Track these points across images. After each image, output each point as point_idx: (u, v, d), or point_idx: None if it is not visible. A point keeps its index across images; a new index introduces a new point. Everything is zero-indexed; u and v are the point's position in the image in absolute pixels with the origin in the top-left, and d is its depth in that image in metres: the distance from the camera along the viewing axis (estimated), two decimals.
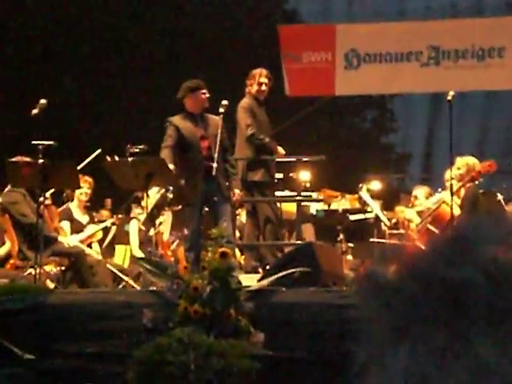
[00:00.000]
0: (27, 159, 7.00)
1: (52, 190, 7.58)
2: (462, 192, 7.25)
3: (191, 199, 6.96)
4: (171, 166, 6.66)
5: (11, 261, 7.58)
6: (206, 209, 7.12)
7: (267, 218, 7.50)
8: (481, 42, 11.41)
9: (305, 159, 7.98)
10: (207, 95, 7.00)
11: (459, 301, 0.76)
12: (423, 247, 0.83)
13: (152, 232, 7.86)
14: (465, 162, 7.16)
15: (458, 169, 7.05)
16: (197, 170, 6.89)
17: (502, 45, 11.31)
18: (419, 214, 8.58)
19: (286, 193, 8.11)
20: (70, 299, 5.32)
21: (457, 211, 6.99)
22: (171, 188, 7.98)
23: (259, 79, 7.70)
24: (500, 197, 8.41)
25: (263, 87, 7.69)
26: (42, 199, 6.61)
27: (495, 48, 11.34)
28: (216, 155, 6.72)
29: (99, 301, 5.26)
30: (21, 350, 4.78)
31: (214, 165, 6.66)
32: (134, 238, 9.27)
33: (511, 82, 11.30)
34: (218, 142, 6.77)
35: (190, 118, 7.00)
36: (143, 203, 9.06)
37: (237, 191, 7.01)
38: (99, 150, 8.25)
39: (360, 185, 9.06)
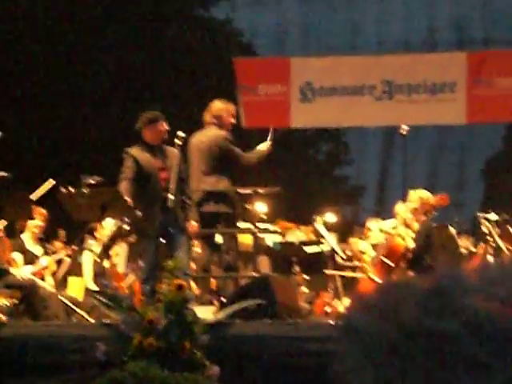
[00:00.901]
0: None
1: (4, 222, 7.49)
2: (415, 225, 7.33)
3: (148, 231, 6.93)
4: (128, 199, 6.63)
5: None
6: (162, 240, 7.10)
7: (225, 248, 7.48)
8: (433, 77, 11.63)
9: (260, 191, 8.00)
10: (166, 127, 7.00)
11: (443, 353, 0.75)
12: (396, 292, 0.84)
13: (107, 264, 7.80)
14: (417, 196, 7.25)
15: (411, 202, 7.13)
16: (155, 201, 6.87)
17: (453, 80, 11.54)
18: (373, 246, 8.66)
19: (242, 224, 8.12)
20: (23, 332, 5.25)
21: (410, 244, 7.07)
22: (127, 219, 7.94)
23: (232, 112, 7.72)
24: (452, 230, 8.53)
25: (233, 120, 7.72)
26: None
27: (447, 83, 11.57)
28: (172, 186, 6.71)
29: (52, 334, 5.19)
30: None
31: (171, 196, 6.66)
32: (88, 270, 9.17)
33: (463, 117, 11.51)
34: (175, 174, 6.77)
35: (148, 149, 7.00)
36: (98, 234, 9.02)
37: (193, 223, 7.02)
38: (52, 181, 8.18)
39: (315, 216, 9.11)
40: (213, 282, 7.92)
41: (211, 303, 7.31)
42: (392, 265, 7.31)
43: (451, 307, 0.76)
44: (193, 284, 8.69)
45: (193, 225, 7.00)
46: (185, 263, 6.54)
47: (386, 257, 7.34)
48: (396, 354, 0.76)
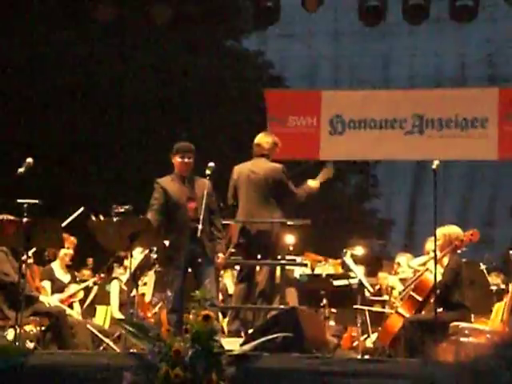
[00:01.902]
0: (11, 217, 6.98)
1: (34, 249, 7.54)
2: (445, 261, 7.27)
3: (175, 260, 6.95)
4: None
5: None
6: (189, 270, 7.11)
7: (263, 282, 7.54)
8: (464, 112, 11.60)
9: (289, 223, 7.99)
10: (186, 160, 7.03)
11: None
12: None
13: (134, 293, 7.81)
14: (442, 233, 7.21)
15: (439, 239, 7.10)
16: (183, 231, 6.90)
17: (484, 115, 11.50)
18: (402, 281, 8.60)
19: None
20: (50, 360, 5.25)
21: (440, 279, 7.01)
22: (155, 248, 7.97)
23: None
24: (483, 266, 8.45)
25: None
26: (24, 258, 6.57)
27: (478, 118, 11.52)
28: (201, 217, 6.73)
29: (79, 363, 5.19)
30: None
31: (200, 226, 6.67)
32: (115, 299, 9.19)
33: (494, 153, 11.45)
34: (204, 205, 6.79)
35: (177, 179, 7.07)
36: (126, 263, 9.05)
37: (221, 255, 7.03)
38: (82, 208, 8.24)
39: (344, 250, 9.07)
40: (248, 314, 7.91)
41: (239, 335, 7.29)
42: (420, 300, 7.25)
43: None
44: (220, 315, 8.68)
45: (221, 257, 7.01)
46: (212, 294, 6.53)
47: (414, 292, 7.28)
48: None
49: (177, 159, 7.06)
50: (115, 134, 17.38)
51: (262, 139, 7.81)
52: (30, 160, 6.67)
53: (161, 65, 17.94)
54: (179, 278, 6.94)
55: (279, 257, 7.90)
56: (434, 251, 6.78)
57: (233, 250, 7.95)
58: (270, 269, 7.64)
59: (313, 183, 7.94)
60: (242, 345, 5.45)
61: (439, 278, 6.94)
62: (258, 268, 7.74)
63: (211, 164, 7.01)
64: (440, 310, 6.87)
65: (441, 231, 7.20)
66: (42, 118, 16.69)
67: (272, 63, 21.56)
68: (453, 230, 7.34)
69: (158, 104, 17.69)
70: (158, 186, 7.04)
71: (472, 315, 7.31)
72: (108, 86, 17.39)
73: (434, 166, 6.66)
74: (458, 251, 7.33)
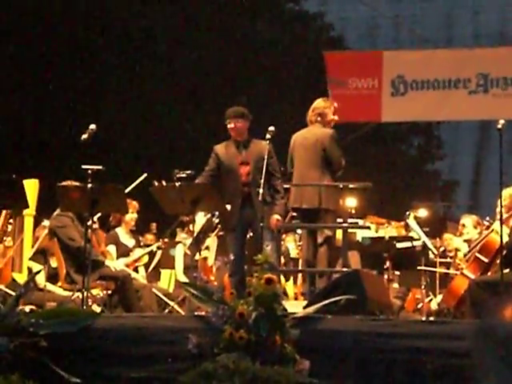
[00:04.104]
0: (76, 183, 7.09)
1: (99, 214, 7.65)
2: (511, 222, 7.15)
3: (232, 225, 7.00)
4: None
5: (59, 284, 7.65)
6: (250, 234, 7.15)
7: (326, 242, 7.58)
8: None
9: (351, 186, 7.95)
10: (231, 125, 7.08)
11: None
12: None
13: (197, 257, 7.87)
14: (508, 194, 7.09)
15: (504, 200, 6.97)
16: (235, 195, 6.95)
17: None
18: (467, 242, 8.48)
19: None
20: (117, 323, 5.33)
21: (506, 240, 6.89)
22: (217, 213, 8.02)
23: (336, 109, 7.85)
24: None
25: (336, 117, 7.87)
26: (90, 223, 6.68)
27: None
28: (262, 181, 6.73)
29: (145, 325, 5.25)
30: (67, 374, 4.81)
31: (260, 190, 6.67)
32: (180, 263, 9.30)
33: None
34: (263, 168, 6.78)
35: (233, 144, 7.13)
36: (190, 227, 9.13)
37: (276, 216, 6.98)
38: (145, 175, 8.33)
39: (407, 212, 8.98)
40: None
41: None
42: (486, 261, 7.15)
43: None
44: (282, 278, 8.71)
45: (275, 218, 6.97)
46: (273, 257, 6.56)
47: (480, 253, 7.18)
48: None
49: (227, 125, 7.12)
50: (174, 100, 17.46)
51: (315, 105, 7.86)
52: (93, 126, 6.74)
53: (221, 29, 17.91)
54: (237, 241, 6.99)
55: (341, 220, 7.88)
56: (500, 212, 6.67)
57: (294, 214, 7.97)
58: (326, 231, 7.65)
59: None
60: (305, 307, 5.47)
61: (505, 238, 6.83)
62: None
63: (271, 128, 7.00)
64: (506, 270, 6.77)
65: (507, 192, 7.07)
66: (104, 86, 16.87)
67: (332, 25, 21.34)
68: None
69: (218, 68, 17.69)
70: (213, 152, 7.16)
71: None
72: (168, 49, 17.45)
73: (499, 126, 6.52)
74: None
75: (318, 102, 7.89)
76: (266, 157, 6.84)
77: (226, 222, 7.10)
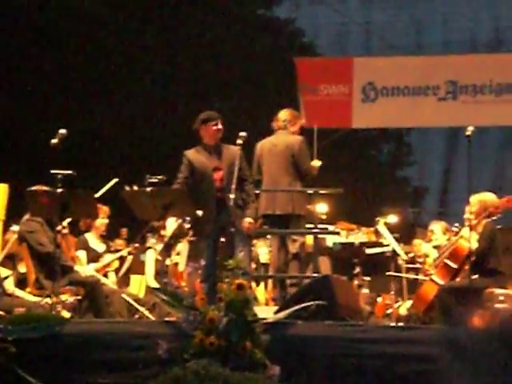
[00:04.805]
0: (46, 188, 7.04)
1: (69, 219, 7.60)
2: (480, 228, 7.22)
3: (206, 230, 7.00)
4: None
5: (28, 289, 7.59)
6: (222, 239, 7.14)
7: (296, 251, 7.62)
8: (498, 78, 11.45)
9: (322, 191, 7.99)
10: (219, 127, 7.04)
11: None
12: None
13: (168, 262, 7.86)
14: (477, 200, 7.16)
15: (472, 206, 7.04)
16: (209, 201, 6.94)
17: None
18: (436, 248, 8.55)
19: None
20: (86, 329, 5.31)
21: (474, 246, 6.96)
22: (188, 218, 8.00)
23: (299, 118, 8.05)
24: None
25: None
26: (59, 228, 6.63)
27: None
28: (233, 186, 6.73)
29: (115, 331, 5.24)
30: (36, 380, 4.78)
31: (232, 196, 6.67)
32: (150, 268, 9.26)
33: None
34: (235, 173, 6.79)
35: (204, 149, 7.08)
36: (162, 232, 9.10)
37: (248, 219, 6.98)
38: (116, 179, 8.29)
39: (377, 218, 9.04)
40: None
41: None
42: (455, 267, 7.21)
43: None
44: (253, 284, 8.71)
45: (247, 221, 6.97)
46: (244, 263, 6.56)
47: (449, 259, 7.25)
48: (503, 369, 0.73)
49: (210, 127, 7.04)
50: (147, 107, 17.41)
51: (280, 113, 7.97)
52: (63, 131, 6.70)
53: (192, 35, 17.90)
54: (210, 247, 6.98)
55: (310, 226, 7.91)
56: (469, 220, 6.73)
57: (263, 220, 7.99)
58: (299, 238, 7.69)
59: (315, 162, 7.94)
60: (276, 313, 5.48)
61: (474, 245, 6.89)
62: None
63: (243, 133, 7.01)
64: (475, 276, 6.83)
65: (476, 198, 7.14)
66: (75, 89, 16.77)
67: (303, 31, 21.41)
68: (488, 196, 7.27)
69: (191, 74, 17.68)
70: (185, 158, 7.09)
71: (507, 281, 7.26)
72: (140, 58, 17.41)
73: (468, 133, 6.59)
74: (493, 218, 7.27)
75: (285, 113, 7.95)
76: (237, 162, 6.84)
77: (201, 227, 7.07)
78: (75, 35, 16.63)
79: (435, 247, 8.63)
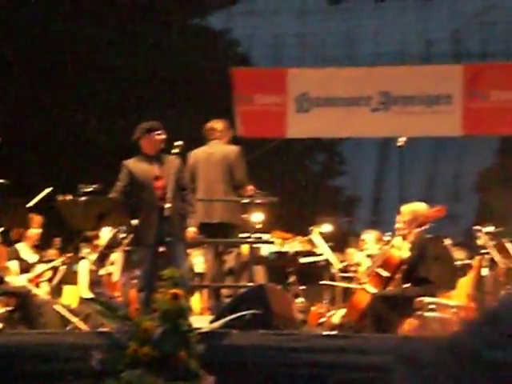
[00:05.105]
0: None
1: (0, 229, 7.49)
2: (411, 237, 7.35)
3: (144, 239, 6.96)
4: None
5: None
6: (161, 249, 7.11)
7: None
8: (429, 89, 11.68)
9: (257, 201, 8.04)
10: (163, 136, 7.05)
11: (501, 381, 0.74)
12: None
13: (102, 272, 7.79)
14: (408, 210, 7.29)
15: (403, 216, 7.17)
16: (151, 210, 6.90)
17: (449, 92, 11.60)
18: (369, 257, 8.67)
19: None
20: (17, 340, 5.24)
21: (405, 255, 7.08)
22: (123, 228, 7.95)
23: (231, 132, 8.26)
24: (447, 242, 8.53)
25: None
26: None
27: (443, 95, 11.62)
28: (169, 195, 6.72)
29: (47, 342, 5.17)
30: None
31: (167, 205, 6.67)
32: (84, 279, 9.17)
33: (458, 129, 11.56)
34: (172, 182, 6.79)
35: (144, 159, 7.06)
36: (96, 242, 9.02)
37: (191, 229, 7.00)
38: (50, 189, 8.20)
39: (310, 227, 9.12)
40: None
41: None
42: (387, 276, 7.32)
43: (509, 336, 0.74)
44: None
45: (190, 231, 6.99)
46: (183, 272, 6.56)
47: (381, 268, 7.35)
48: (455, 380, 0.74)
49: (153, 137, 7.02)
50: (84, 114, 17.24)
51: (215, 123, 8.11)
52: None
53: (128, 44, 17.81)
54: (148, 257, 6.94)
55: (246, 235, 7.96)
56: (400, 230, 6.85)
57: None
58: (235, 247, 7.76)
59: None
60: (211, 322, 5.48)
61: (405, 254, 7.01)
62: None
63: (179, 142, 7.02)
64: (406, 285, 6.95)
65: (406, 208, 7.27)
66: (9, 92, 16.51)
67: (238, 41, 21.48)
68: (418, 206, 7.41)
69: (125, 84, 17.56)
70: (124, 167, 7.06)
71: (438, 290, 7.40)
72: (81, 63, 17.22)
73: (399, 143, 6.71)
74: (424, 227, 7.41)
75: (221, 123, 8.11)
76: (175, 171, 6.85)
77: (140, 236, 7.02)
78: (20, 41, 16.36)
79: (368, 256, 8.75)
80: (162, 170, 7.02)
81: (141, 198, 6.96)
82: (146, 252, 6.95)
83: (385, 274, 7.30)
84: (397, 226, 7.40)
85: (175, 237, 6.87)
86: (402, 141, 6.67)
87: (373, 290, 7.28)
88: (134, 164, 7.06)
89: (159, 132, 7.05)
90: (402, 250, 6.89)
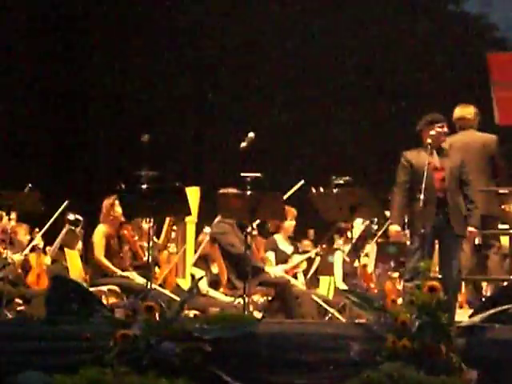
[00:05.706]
0: (236, 191, 7.19)
1: (258, 221, 7.73)
2: None
3: (419, 230, 6.63)
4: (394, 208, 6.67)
5: (221, 290, 7.80)
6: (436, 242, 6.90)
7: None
8: None
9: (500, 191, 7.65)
10: (445, 129, 6.87)
11: None
12: None
13: (356, 264, 7.81)
14: None
15: None
16: (429, 201, 6.66)
17: None
18: None
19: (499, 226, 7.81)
20: (278, 329, 5.35)
21: None
22: (376, 219, 7.90)
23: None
24: None
25: None
26: (249, 230, 6.75)
27: None
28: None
29: (306, 332, 5.25)
30: (232, 379, 4.86)
31: (421, 196, 6.47)
32: (339, 270, 9.25)
33: None
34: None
35: (426, 150, 6.80)
36: (349, 234, 9.07)
37: (471, 228, 6.72)
38: (302, 181, 8.35)
39: None
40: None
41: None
42: None
43: None
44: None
45: (472, 231, 6.74)
46: (454, 269, 6.43)
47: None
48: None
49: (435, 129, 6.86)
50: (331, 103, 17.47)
51: (465, 111, 7.78)
52: (251, 134, 6.84)
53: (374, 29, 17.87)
54: (421, 247, 6.69)
55: (505, 226, 7.62)
56: None
57: None
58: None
59: None
60: (471, 316, 5.30)
61: None
62: None
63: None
64: None
65: None
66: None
67: (496, 25, 20.83)
68: None
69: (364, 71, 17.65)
70: (403, 159, 6.87)
71: None
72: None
73: None
74: None
75: (464, 109, 7.81)
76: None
77: (415, 226, 6.80)
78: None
79: None
80: (442, 162, 6.81)
81: (419, 188, 6.73)
82: (421, 243, 6.70)
83: None
84: None
85: (451, 231, 6.63)
86: None
87: None
88: (413, 156, 6.85)
89: (440, 125, 6.87)
90: None
